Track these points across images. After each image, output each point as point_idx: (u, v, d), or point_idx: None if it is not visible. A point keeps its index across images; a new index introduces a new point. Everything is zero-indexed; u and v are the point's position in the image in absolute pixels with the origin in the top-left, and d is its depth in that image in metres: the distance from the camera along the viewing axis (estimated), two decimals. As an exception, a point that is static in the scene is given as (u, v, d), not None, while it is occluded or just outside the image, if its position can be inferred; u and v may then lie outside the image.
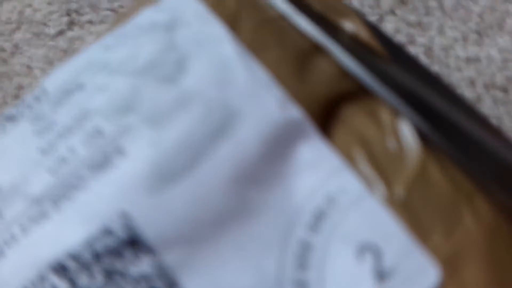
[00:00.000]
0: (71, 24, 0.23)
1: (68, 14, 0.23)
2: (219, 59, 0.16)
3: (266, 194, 0.15)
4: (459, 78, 0.23)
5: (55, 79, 0.18)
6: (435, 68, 0.24)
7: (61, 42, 0.23)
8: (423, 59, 0.24)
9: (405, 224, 0.15)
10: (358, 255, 0.15)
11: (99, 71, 0.17)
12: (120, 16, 0.18)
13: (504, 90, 0.23)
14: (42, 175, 0.16)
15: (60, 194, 0.16)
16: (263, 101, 0.16)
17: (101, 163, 0.16)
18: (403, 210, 0.15)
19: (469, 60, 0.24)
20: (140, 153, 0.15)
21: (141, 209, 0.15)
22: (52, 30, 0.23)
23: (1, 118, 0.18)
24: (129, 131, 0.16)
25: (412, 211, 0.15)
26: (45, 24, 0.23)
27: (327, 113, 0.16)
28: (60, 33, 0.23)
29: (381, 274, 0.15)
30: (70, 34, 0.23)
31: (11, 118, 0.18)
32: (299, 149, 0.15)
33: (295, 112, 0.16)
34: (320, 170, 0.15)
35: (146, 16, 0.17)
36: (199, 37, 0.16)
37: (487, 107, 0.23)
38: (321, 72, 0.16)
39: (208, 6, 0.17)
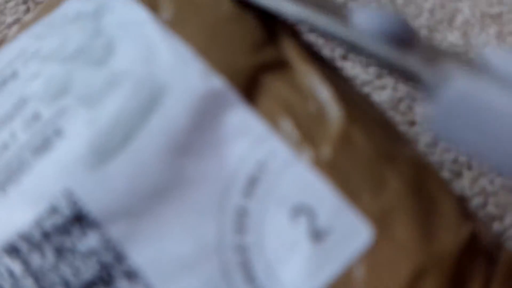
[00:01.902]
0: (27, 11, 0.23)
1: (25, 2, 0.23)
2: (143, 39, 0.17)
3: (200, 163, 0.16)
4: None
5: None
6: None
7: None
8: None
9: (334, 185, 0.16)
10: (293, 217, 0.16)
11: (31, 59, 0.17)
12: (45, 6, 0.19)
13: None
14: None
15: (5, 178, 0.17)
16: (186, 74, 0.16)
17: (41, 145, 0.16)
18: (331, 172, 0.16)
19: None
20: (78, 133, 0.16)
21: (83, 186, 0.16)
22: (9, 19, 0.23)
23: None
24: (65, 112, 0.16)
25: (340, 172, 0.16)
26: (2, 13, 0.23)
27: (250, 83, 0.17)
28: (17, 21, 0.23)
29: (316, 234, 0.16)
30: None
31: None
32: (226, 117, 0.16)
33: (217, 82, 0.16)
34: (248, 137, 0.16)
35: (72, 6, 0.18)
36: (124, 21, 0.17)
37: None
38: (240, 41, 0.17)
39: None
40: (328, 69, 0.17)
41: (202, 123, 0.16)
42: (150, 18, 0.17)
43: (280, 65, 0.17)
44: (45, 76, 0.17)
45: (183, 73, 0.16)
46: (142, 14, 0.17)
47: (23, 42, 0.18)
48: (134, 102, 0.16)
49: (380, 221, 0.16)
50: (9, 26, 0.23)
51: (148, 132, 0.16)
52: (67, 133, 0.16)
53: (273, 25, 0.17)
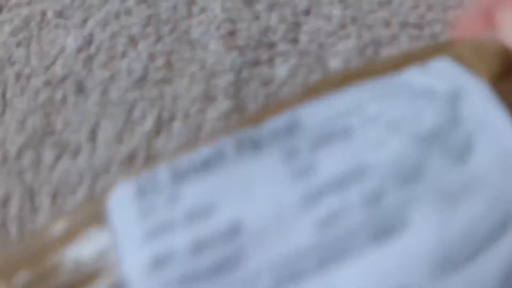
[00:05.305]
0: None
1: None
2: (500, 146, 0.16)
3: None
4: (374, 19, 0.25)
5: (313, 114, 0.15)
6: (349, 12, 0.24)
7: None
8: (337, 5, 0.25)
9: None
10: None
11: (371, 122, 0.15)
12: (361, 70, 0.16)
13: (419, 27, 0.24)
14: (305, 226, 0.14)
15: (327, 255, 0.14)
16: None
17: (380, 232, 0.14)
18: None
19: (381, 3, 0.25)
20: (427, 230, 0.15)
21: None
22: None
23: (236, 139, 0.15)
24: (414, 202, 0.15)
25: None
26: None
27: None
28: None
29: None
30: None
31: (252, 144, 0.15)
32: None
33: None
34: None
35: (419, 78, 0.16)
36: (481, 118, 0.16)
37: (404, 44, 0.24)
38: None
39: (487, 85, 0.16)
40: None
41: None
42: (510, 125, 0.16)
43: None
44: (394, 149, 0.15)
45: None
46: (502, 117, 0.16)
47: (357, 95, 0.15)
48: (487, 218, 0.15)
49: None
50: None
51: (493, 255, 0.15)
52: (412, 227, 0.15)
53: None
